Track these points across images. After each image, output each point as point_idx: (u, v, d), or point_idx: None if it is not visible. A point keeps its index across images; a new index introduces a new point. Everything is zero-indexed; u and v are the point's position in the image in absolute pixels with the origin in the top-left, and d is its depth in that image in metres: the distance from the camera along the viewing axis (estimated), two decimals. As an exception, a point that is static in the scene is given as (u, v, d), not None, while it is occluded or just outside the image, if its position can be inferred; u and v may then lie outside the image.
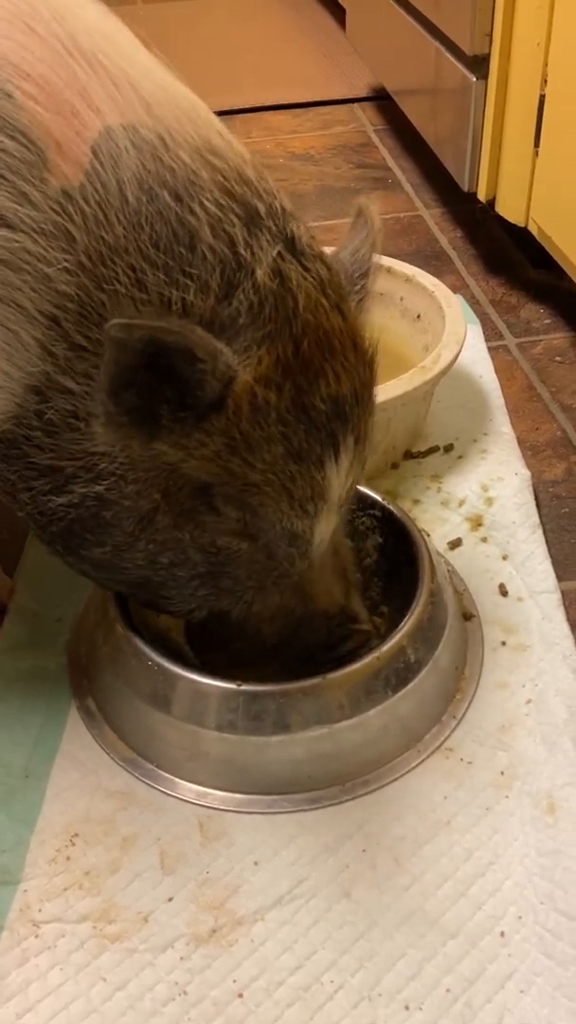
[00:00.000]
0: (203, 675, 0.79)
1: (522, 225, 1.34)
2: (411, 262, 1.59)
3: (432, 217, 1.72)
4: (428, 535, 1.02)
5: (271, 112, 2.23)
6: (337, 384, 0.65)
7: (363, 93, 2.27)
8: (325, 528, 0.70)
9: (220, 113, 2.25)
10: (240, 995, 0.67)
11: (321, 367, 0.65)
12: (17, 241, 0.61)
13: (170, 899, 0.73)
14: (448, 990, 0.66)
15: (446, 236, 1.66)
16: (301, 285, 0.64)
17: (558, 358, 1.32)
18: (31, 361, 0.65)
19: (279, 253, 0.63)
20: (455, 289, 1.50)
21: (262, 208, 0.64)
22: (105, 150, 0.61)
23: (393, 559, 0.92)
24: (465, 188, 1.43)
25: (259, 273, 0.62)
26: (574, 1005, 0.64)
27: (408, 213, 1.74)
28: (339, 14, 2.56)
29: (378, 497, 0.95)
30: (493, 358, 1.32)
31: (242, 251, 0.62)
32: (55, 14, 0.63)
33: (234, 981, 0.68)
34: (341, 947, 0.69)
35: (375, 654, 0.79)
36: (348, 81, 2.32)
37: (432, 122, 1.58)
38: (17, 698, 0.88)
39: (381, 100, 2.18)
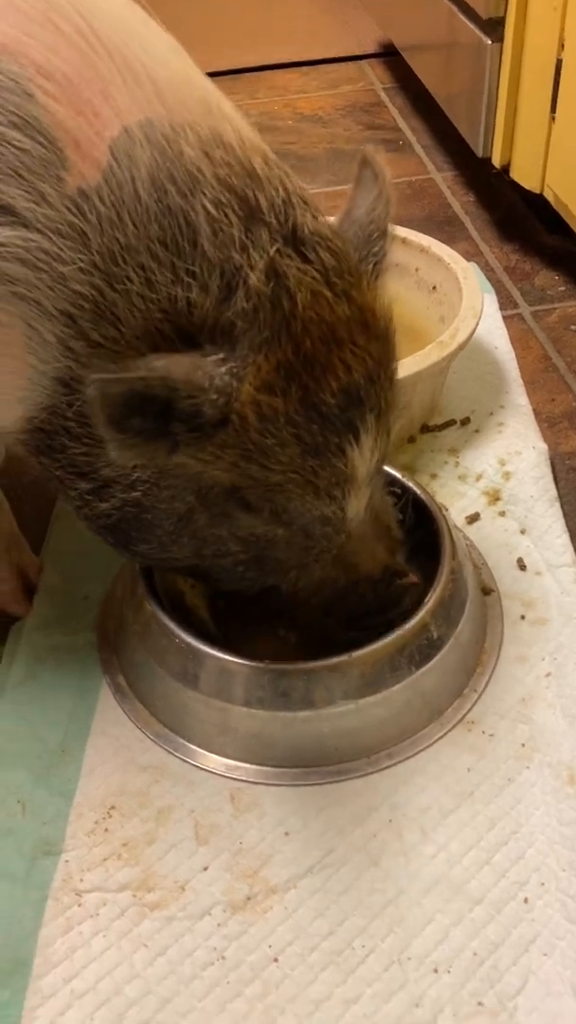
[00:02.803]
0: (231, 654, 0.81)
1: (537, 191, 1.34)
2: (423, 228, 1.59)
3: (444, 180, 1.71)
4: (447, 510, 1.03)
5: (278, 71, 2.20)
6: (348, 374, 0.65)
7: (372, 49, 2.23)
8: (356, 504, 0.71)
9: (226, 73, 2.21)
10: (276, 960, 0.70)
11: (328, 362, 0.64)
12: (33, 240, 0.62)
13: (205, 868, 0.76)
14: (475, 953, 0.69)
15: (459, 200, 1.64)
16: (301, 281, 0.63)
17: (573, 327, 1.33)
18: (54, 356, 0.66)
19: (278, 251, 0.63)
20: (469, 256, 1.49)
21: (264, 202, 0.63)
22: (122, 148, 0.62)
23: (414, 536, 0.93)
24: (479, 153, 1.42)
25: (253, 278, 0.62)
26: (594, 967, 0.68)
27: (420, 176, 1.73)
28: (346, -34, 2.50)
29: (398, 474, 0.96)
30: (508, 327, 1.32)
31: (237, 255, 0.62)
32: (78, 8, 0.63)
33: (269, 946, 0.71)
34: (371, 913, 0.72)
35: (399, 631, 0.81)
36: (356, 36, 2.28)
37: (445, 84, 1.56)
38: (50, 675, 0.90)
39: (391, 56, 2.15)
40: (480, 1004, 0.67)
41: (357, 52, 2.23)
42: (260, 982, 0.69)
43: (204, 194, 0.62)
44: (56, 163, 0.61)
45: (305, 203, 0.67)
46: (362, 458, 0.68)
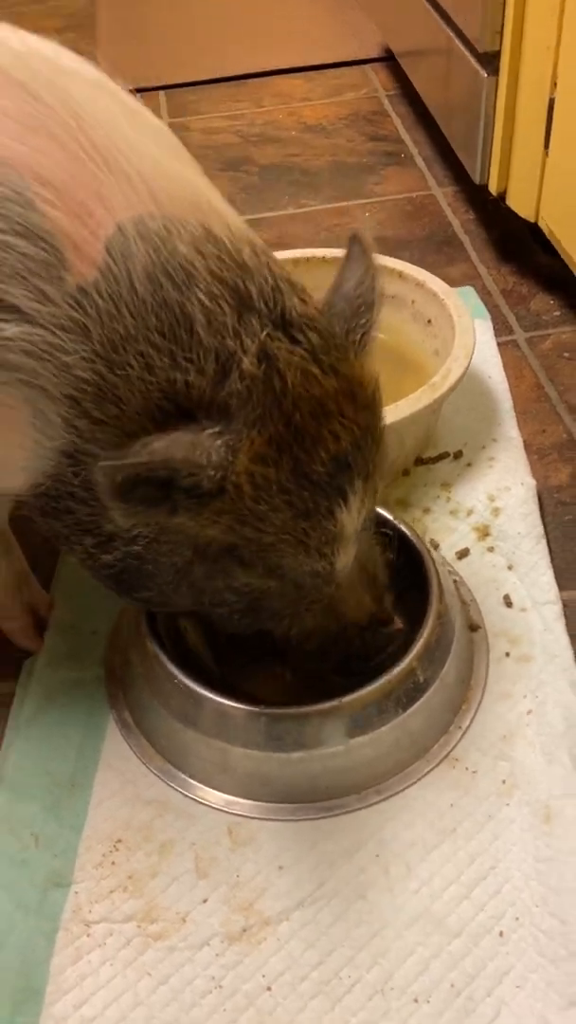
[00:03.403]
0: (228, 698, 0.86)
1: (533, 221, 1.36)
2: (424, 248, 1.62)
3: (445, 196, 1.73)
4: (438, 545, 1.08)
5: (283, 76, 2.21)
6: (336, 444, 0.70)
7: (375, 53, 2.24)
8: (344, 559, 0.76)
9: (233, 79, 2.24)
10: (269, 988, 0.76)
11: (318, 433, 0.69)
12: (38, 335, 0.67)
13: (205, 900, 0.82)
14: (452, 985, 0.75)
15: (459, 218, 1.67)
16: (290, 362, 0.68)
17: (566, 354, 1.36)
18: (58, 433, 0.71)
19: (268, 335, 0.67)
20: (467, 278, 1.53)
21: (254, 290, 0.68)
22: (117, 246, 0.66)
23: (404, 575, 0.98)
24: (476, 180, 1.45)
25: (245, 362, 0.67)
26: (564, 1001, 0.73)
27: (421, 192, 1.75)
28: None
29: (389, 516, 1.00)
30: (502, 354, 1.35)
31: (230, 342, 0.67)
32: (73, 114, 0.67)
33: (263, 976, 0.77)
34: (357, 945, 0.78)
35: (387, 676, 0.86)
36: (359, 39, 2.29)
37: (445, 107, 1.59)
38: (59, 710, 0.96)
39: (393, 60, 2.16)
40: (456, 1033, 0.72)
41: (361, 56, 2.24)
42: (254, 1010, 0.75)
43: (199, 287, 0.67)
44: (56, 264, 0.65)
45: (291, 286, 0.72)
46: (350, 518, 0.73)
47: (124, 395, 0.68)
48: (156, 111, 2.16)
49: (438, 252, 1.58)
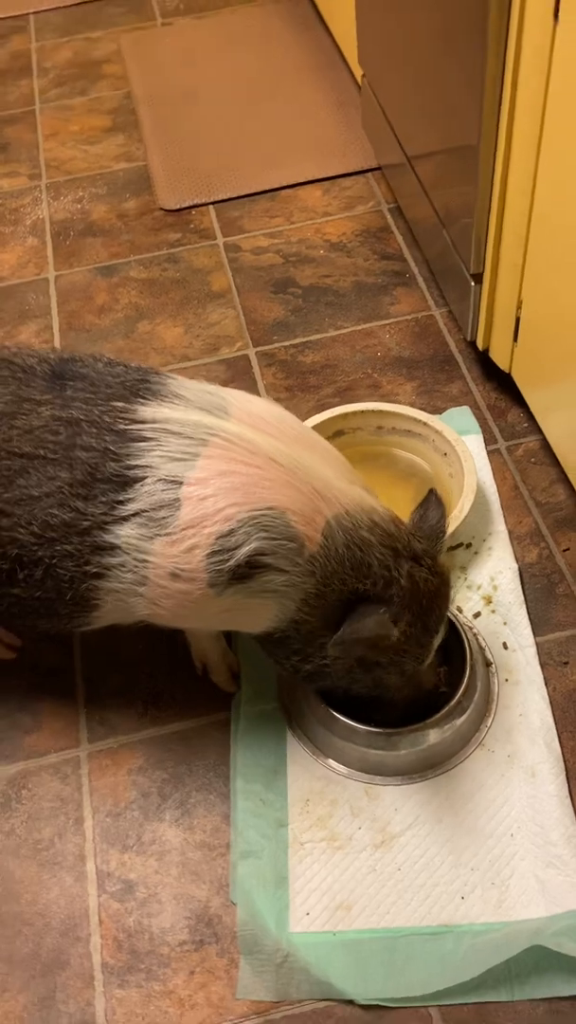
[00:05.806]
0: (356, 722, 1.61)
1: (508, 372, 2.05)
2: (431, 366, 2.29)
3: (442, 317, 2.38)
4: (461, 609, 1.82)
5: (305, 188, 2.79)
6: (439, 610, 1.44)
7: (375, 163, 2.81)
8: (429, 659, 1.50)
9: (265, 192, 2.98)
10: (399, 869, 1.53)
11: (431, 607, 1.43)
12: (290, 580, 1.37)
13: (359, 828, 1.58)
14: (490, 861, 1.53)
15: (453, 338, 2.32)
16: (421, 576, 1.40)
17: (533, 459, 2.06)
18: (291, 612, 1.43)
19: (410, 566, 1.40)
20: (463, 394, 2.20)
21: (400, 546, 1.40)
22: (328, 533, 1.37)
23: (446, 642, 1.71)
24: (468, 338, 2.12)
25: (401, 581, 1.39)
26: (544, 865, 1.50)
27: (423, 313, 2.39)
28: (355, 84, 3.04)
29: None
30: (490, 459, 2.05)
31: (392, 572, 1.39)
32: (302, 469, 1.36)
33: (395, 863, 1.54)
34: (440, 843, 1.55)
35: (448, 707, 1.61)
36: (363, 150, 2.85)
37: (443, 277, 2.23)
38: (259, 728, 1.70)
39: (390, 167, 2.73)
40: (492, 884, 1.51)
41: (365, 166, 2.82)
42: (392, 881, 1.52)
43: (374, 550, 1.38)
44: (299, 548, 1.36)
45: (415, 535, 1.44)
46: (436, 640, 1.48)
47: (328, 597, 1.40)
48: (210, 228, 2.76)
49: (441, 371, 2.25)
